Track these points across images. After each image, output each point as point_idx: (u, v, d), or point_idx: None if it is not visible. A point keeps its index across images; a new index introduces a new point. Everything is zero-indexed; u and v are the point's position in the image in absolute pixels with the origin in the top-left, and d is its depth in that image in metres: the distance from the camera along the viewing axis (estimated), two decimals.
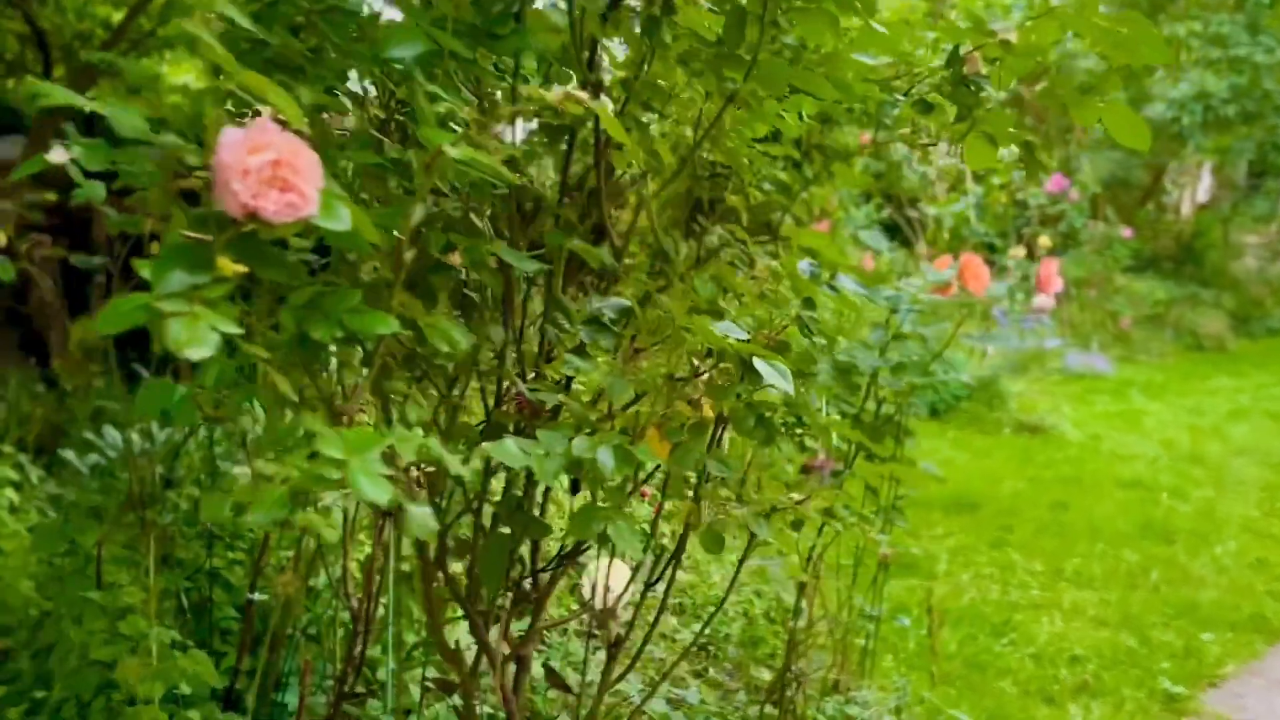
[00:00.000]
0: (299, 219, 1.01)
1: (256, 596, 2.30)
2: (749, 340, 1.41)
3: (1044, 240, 8.68)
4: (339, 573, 2.20)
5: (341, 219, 1.04)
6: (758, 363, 1.30)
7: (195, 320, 0.94)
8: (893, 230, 10.17)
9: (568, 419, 1.45)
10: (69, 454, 3.09)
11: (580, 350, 1.51)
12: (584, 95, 1.04)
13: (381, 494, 0.96)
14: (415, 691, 2.24)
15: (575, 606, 2.89)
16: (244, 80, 0.94)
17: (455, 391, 1.59)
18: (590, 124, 1.52)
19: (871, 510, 2.52)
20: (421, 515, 1.10)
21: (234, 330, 0.96)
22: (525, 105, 1.04)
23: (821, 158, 4.61)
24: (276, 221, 1.00)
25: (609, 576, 2.11)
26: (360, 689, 2.24)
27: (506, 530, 1.55)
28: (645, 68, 1.46)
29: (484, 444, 1.23)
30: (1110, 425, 6.64)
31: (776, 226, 1.70)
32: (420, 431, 1.09)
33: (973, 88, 1.37)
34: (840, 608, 2.62)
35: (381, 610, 2.20)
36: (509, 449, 1.24)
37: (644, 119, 1.52)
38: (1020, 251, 8.73)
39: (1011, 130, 1.48)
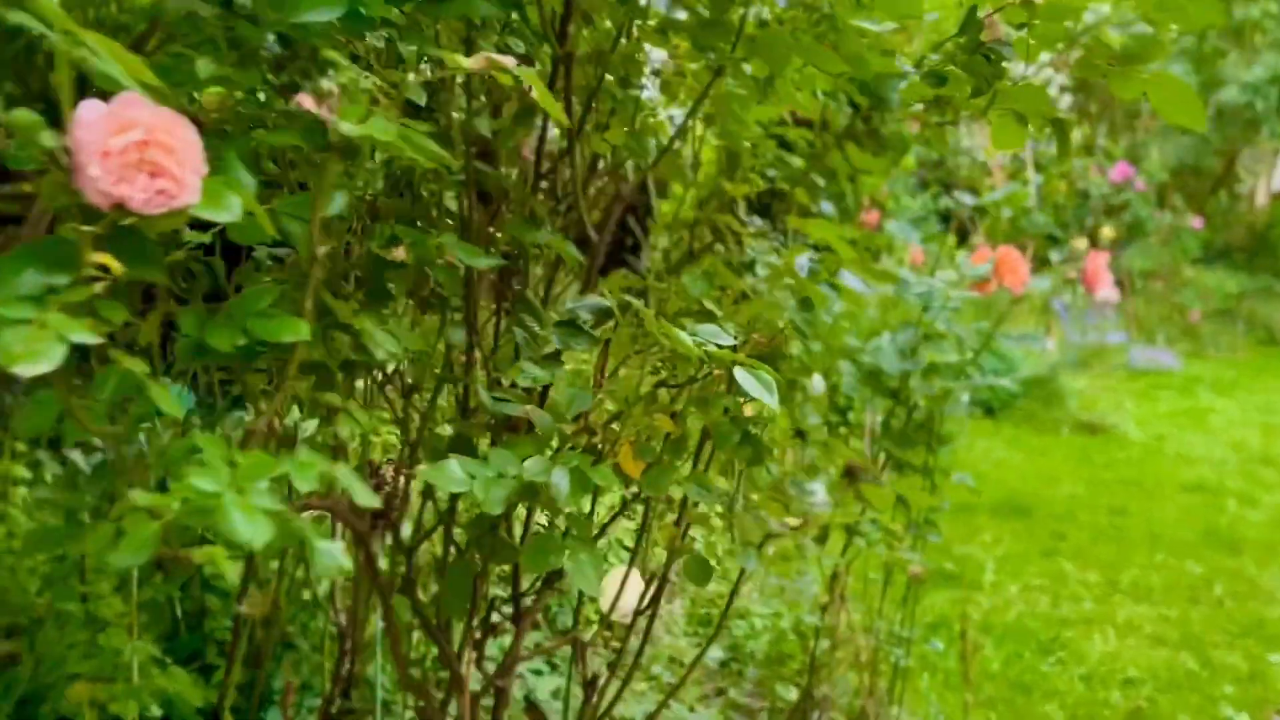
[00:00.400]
0: (175, 209, 0.87)
1: (245, 609, 2.18)
2: (736, 346, 1.25)
3: (1107, 231, 8.35)
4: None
5: (230, 209, 0.89)
6: (738, 373, 1.14)
7: (40, 330, 0.80)
8: (949, 221, 9.88)
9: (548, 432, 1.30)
10: (75, 453, 3.01)
11: (557, 356, 1.36)
12: (509, 61, 0.88)
13: (258, 534, 0.82)
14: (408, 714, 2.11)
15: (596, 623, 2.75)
16: (92, 45, 0.80)
17: (416, 401, 1.44)
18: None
19: (904, 523, 2.34)
20: (330, 553, 0.95)
21: (90, 340, 0.82)
22: (434, 75, 0.89)
23: (872, 144, 4.34)
24: (146, 212, 0.85)
25: (623, 589, 1.95)
26: (356, 705, 2.11)
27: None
28: (621, 38, 1.30)
29: (420, 466, 1.08)
30: (1175, 424, 6.35)
31: (777, 215, 1.53)
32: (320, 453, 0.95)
33: (992, 57, 1.19)
34: (869, 627, 2.44)
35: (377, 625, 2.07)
36: (449, 472, 1.10)
37: (622, 96, 1.36)
38: (1083, 243, 8.41)
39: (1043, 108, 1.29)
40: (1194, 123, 1.30)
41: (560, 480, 1.10)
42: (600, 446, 1.23)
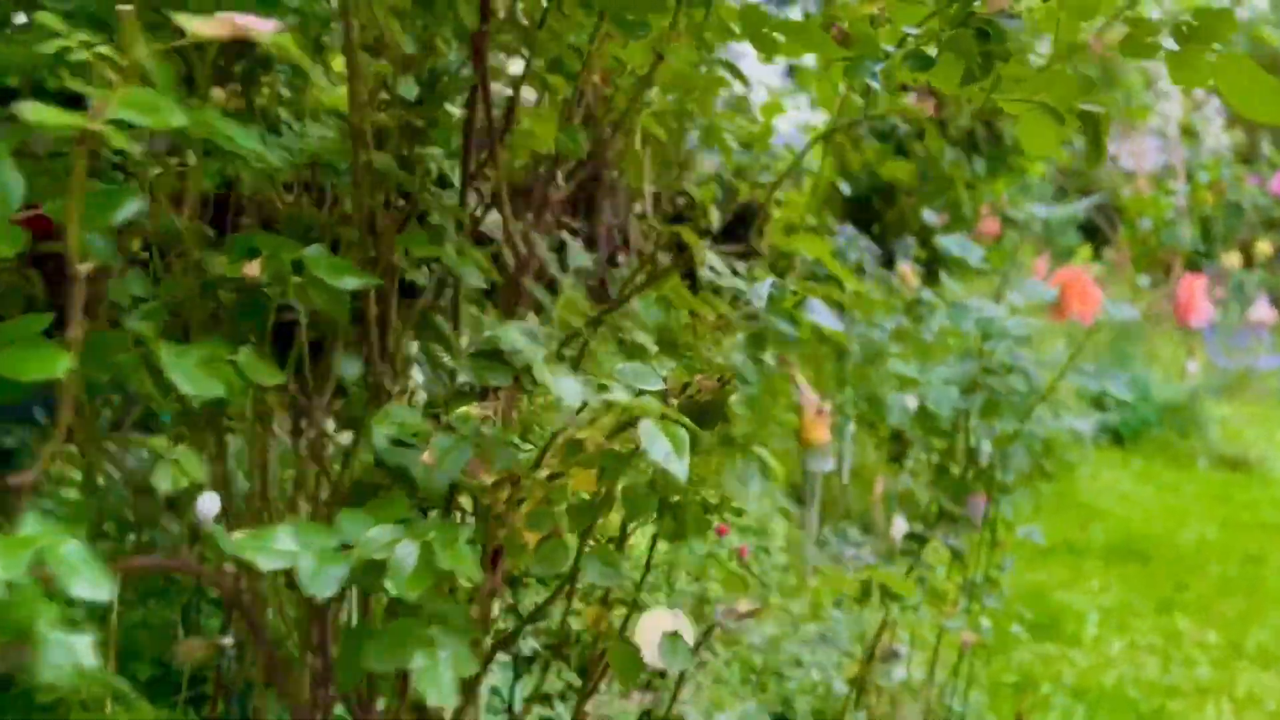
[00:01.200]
0: None
1: (228, 640, 2.04)
2: (667, 391, 1.01)
3: (1264, 246, 7.70)
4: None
5: None
6: (645, 428, 0.90)
7: None
8: (1091, 231, 9.28)
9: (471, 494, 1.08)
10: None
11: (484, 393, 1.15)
12: (264, 24, 0.67)
13: None
14: None
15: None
16: None
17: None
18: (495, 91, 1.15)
19: (959, 581, 2.05)
20: (63, 647, 0.75)
21: None
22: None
23: (992, 150, 3.99)
24: None
25: (654, 629, 1.72)
26: None
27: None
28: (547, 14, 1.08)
29: (235, 534, 0.88)
30: None
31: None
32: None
33: (989, 32, 0.92)
34: (913, 697, 2.15)
35: None
36: (270, 543, 0.89)
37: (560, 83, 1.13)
38: (1235, 259, 7.78)
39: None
40: (1272, 115, 1.01)
41: (405, 557, 0.89)
42: (490, 510, 1.01)
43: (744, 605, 1.17)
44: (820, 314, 1.04)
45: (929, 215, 4.41)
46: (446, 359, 1.13)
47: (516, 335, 0.92)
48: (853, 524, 3.82)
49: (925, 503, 3.25)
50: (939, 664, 2.26)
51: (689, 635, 1.74)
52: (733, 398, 0.99)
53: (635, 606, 1.12)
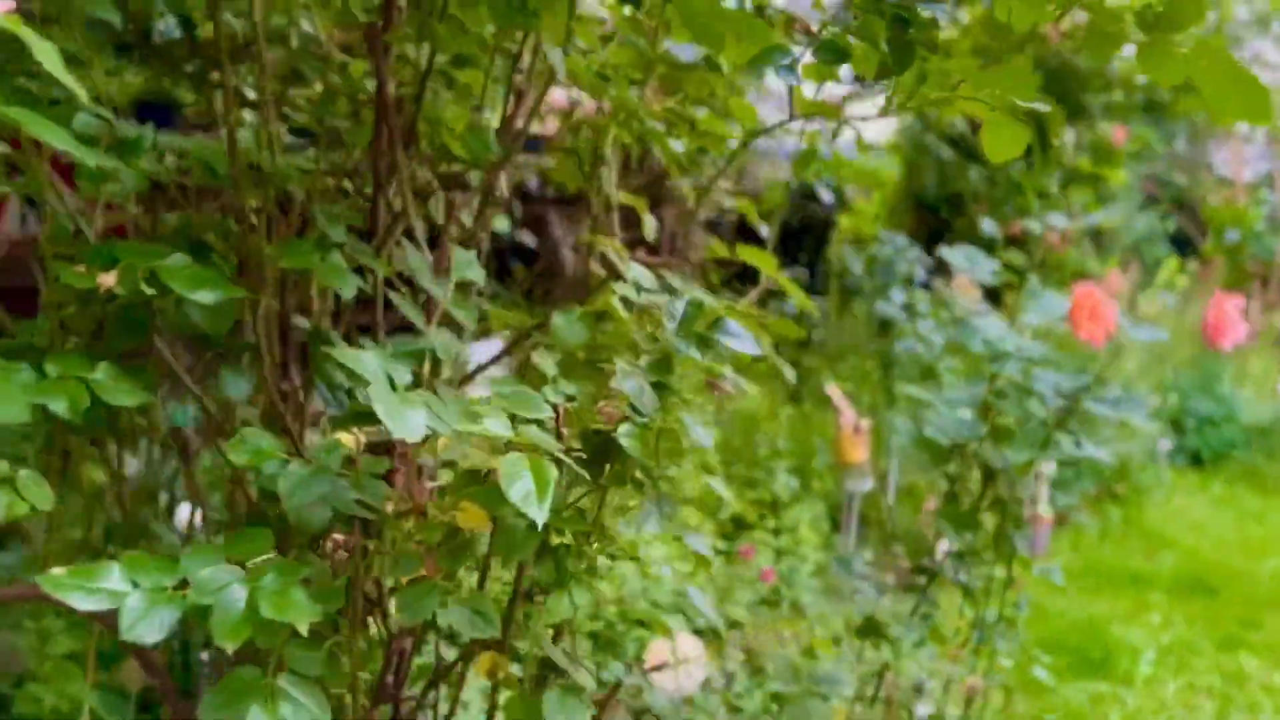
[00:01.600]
0: None
1: (206, 656, 2.00)
2: (558, 422, 0.91)
3: None
4: None
5: None
6: (506, 463, 0.81)
7: None
8: (1182, 244, 8.88)
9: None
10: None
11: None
12: None
13: None
14: None
15: None
16: None
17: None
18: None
19: (971, 620, 1.90)
20: None
21: None
22: None
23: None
24: None
25: (677, 652, 1.63)
26: None
27: None
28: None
29: (46, 573, 0.80)
30: None
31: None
32: None
33: (907, 17, 0.80)
34: None
35: None
36: (97, 582, 0.81)
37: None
38: None
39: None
40: (1255, 115, 0.87)
41: (232, 603, 0.80)
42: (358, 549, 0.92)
43: (653, 659, 1.06)
44: (737, 337, 0.93)
45: (988, 225, 4.22)
46: (340, 378, 1.04)
47: (367, 358, 0.83)
48: (898, 545, 3.67)
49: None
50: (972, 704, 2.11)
51: (702, 662, 1.64)
52: (624, 428, 0.89)
53: (548, 667, 1.02)
